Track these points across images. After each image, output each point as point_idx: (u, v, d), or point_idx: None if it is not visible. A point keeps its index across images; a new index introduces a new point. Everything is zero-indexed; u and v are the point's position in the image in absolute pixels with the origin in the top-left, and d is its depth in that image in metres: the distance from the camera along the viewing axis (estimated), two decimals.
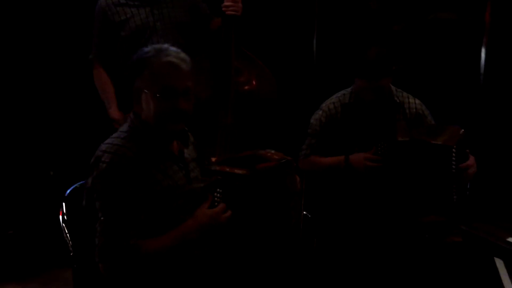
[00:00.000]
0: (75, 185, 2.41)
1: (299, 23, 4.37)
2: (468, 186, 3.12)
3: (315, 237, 3.17)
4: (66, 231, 2.30)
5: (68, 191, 2.40)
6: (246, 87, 3.39)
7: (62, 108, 4.10)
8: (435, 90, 4.19)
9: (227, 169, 2.30)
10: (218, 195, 2.25)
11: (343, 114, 3.16)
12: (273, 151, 2.53)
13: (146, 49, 2.25)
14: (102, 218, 2.11)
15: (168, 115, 2.20)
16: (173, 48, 2.25)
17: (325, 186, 3.24)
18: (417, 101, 3.20)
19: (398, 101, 3.15)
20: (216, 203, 2.24)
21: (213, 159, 3.09)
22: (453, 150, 2.80)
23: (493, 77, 4.14)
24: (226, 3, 3.32)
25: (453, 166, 2.82)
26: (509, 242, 2.77)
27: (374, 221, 2.98)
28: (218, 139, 3.28)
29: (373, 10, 4.39)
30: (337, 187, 3.17)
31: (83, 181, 2.28)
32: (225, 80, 3.32)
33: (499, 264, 2.75)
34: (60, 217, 2.32)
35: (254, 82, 3.41)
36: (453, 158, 2.81)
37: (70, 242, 2.29)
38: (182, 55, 2.24)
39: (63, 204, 2.34)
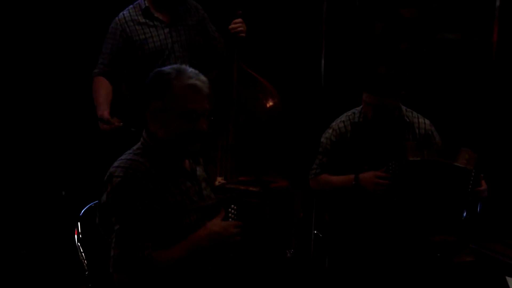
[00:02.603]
0: (90, 204, 2.42)
1: (307, 44, 4.40)
2: (480, 207, 3.13)
3: (326, 256, 3.17)
4: (81, 250, 2.31)
5: (82, 211, 2.41)
6: (248, 108, 3.39)
7: (74, 128, 4.12)
8: (443, 109, 4.21)
9: (242, 187, 2.34)
10: (233, 211, 2.27)
11: (353, 133, 3.18)
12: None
13: (165, 70, 2.26)
14: (117, 229, 2.12)
15: (189, 136, 2.23)
16: (192, 70, 2.27)
17: (335, 205, 3.24)
18: (427, 121, 3.23)
19: (408, 120, 3.17)
20: (230, 219, 2.27)
21: (219, 179, 3.12)
22: (472, 173, 2.84)
23: (501, 95, 4.16)
24: (234, 25, 3.37)
25: (469, 189, 2.86)
26: None
27: (384, 240, 2.98)
28: (219, 159, 3.29)
29: (380, 30, 4.43)
30: (347, 206, 3.18)
31: (97, 201, 2.29)
32: (226, 100, 3.34)
33: (511, 283, 2.74)
34: (76, 236, 2.33)
35: (256, 102, 3.41)
36: (471, 182, 2.85)
37: (85, 261, 2.30)
38: (202, 77, 2.27)
39: (78, 223, 2.35)
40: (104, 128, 3.28)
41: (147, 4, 3.40)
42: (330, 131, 3.24)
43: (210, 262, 2.25)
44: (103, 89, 3.41)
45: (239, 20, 3.37)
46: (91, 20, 4.01)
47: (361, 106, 3.20)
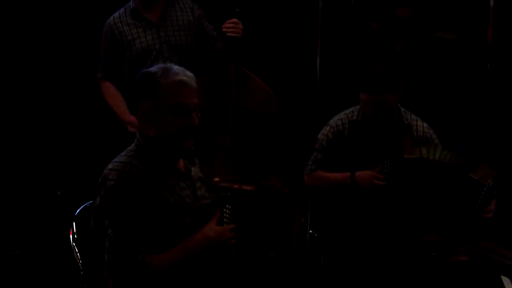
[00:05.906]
0: (85, 204, 2.42)
1: (302, 43, 4.40)
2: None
3: (322, 255, 3.18)
4: (77, 250, 2.31)
5: (78, 211, 2.41)
6: (244, 107, 3.38)
7: (69, 128, 4.11)
8: (438, 108, 4.21)
9: (236, 186, 2.34)
10: (227, 211, 2.27)
11: (350, 131, 3.18)
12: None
13: (151, 70, 2.27)
14: (111, 234, 2.12)
15: (183, 132, 2.23)
16: (177, 67, 2.28)
17: (331, 204, 3.24)
18: (425, 124, 3.21)
19: (406, 122, 3.16)
20: (225, 219, 2.27)
21: (216, 179, 3.11)
22: (484, 189, 2.80)
23: (496, 94, 4.17)
24: (226, 25, 3.34)
25: (476, 205, 2.82)
26: None
27: (380, 239, 2.98)
28: (217, 160, 3.29)
29: (375, 29, 4.43)
30: (343, 205, 3.18)
31: (92, 201, 2.29)
32: (222, 99, 3.34)
33: (506, 282, 2.75)
34: (71, 236, 2.33)
35: (253, 103, 3.40)
36: (480, 197, 2.81)
37: (80, 261, 2.30)
38: (188, 72, 2.28)
39: (73, 223, 2.35)
40: (134, 131, 3.27)
41: (134, 5, 3.40)
42: (328, 128, 3.23)
43: (205, 266, 2.24)
44: (116, 94, 3.45)
45: (234, 20, 3.34)
46: (86, 20, 4.01)
47: (360, 105, 3.20)
